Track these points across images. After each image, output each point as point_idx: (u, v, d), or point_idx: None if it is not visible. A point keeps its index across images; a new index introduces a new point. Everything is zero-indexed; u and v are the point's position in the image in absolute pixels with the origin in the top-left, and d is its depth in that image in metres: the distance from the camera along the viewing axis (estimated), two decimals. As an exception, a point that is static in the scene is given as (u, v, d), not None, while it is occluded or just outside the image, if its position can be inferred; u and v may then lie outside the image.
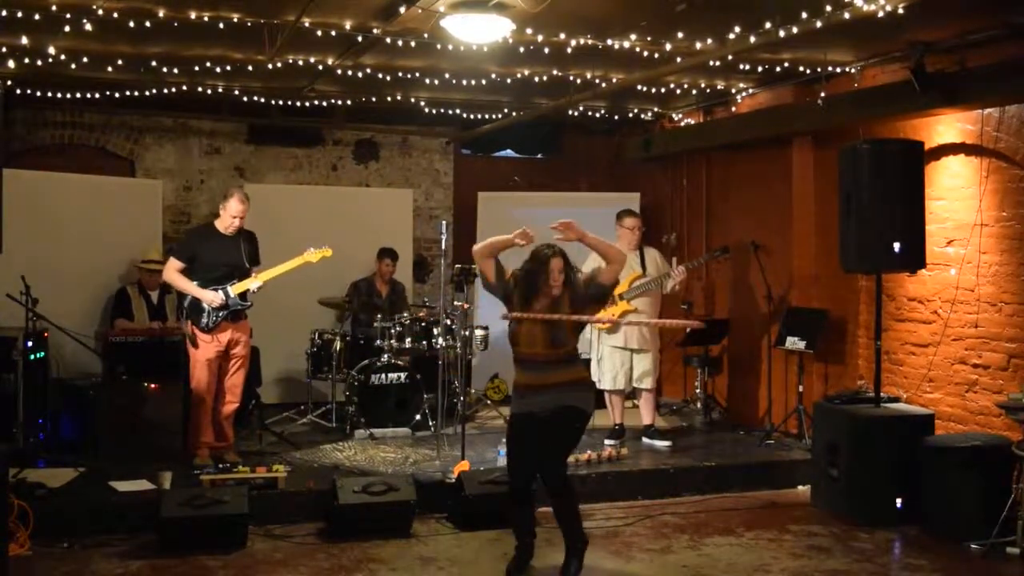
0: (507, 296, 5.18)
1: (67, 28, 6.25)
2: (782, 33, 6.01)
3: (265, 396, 8.56)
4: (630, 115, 10.16)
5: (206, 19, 6.23)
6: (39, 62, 7.43)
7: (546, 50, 7.01)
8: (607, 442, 7.49)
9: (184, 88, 8.62)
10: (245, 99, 9.06)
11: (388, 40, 6.66)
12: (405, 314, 8.50)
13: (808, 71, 7.60)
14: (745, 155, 9.06)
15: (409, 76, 8.01)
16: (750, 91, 8.71)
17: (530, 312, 5.04)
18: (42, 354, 7.28)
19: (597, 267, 5.29)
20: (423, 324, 8.39)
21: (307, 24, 6.35)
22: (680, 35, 6.58)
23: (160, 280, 8.17)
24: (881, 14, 5.46)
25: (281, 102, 9.42)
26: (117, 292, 8.23)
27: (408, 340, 8.27)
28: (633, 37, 6.64)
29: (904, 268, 6.78)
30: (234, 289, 6.73)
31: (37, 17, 6.07)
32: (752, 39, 6.29)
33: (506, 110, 9.73)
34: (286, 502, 6.14)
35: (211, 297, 6.66)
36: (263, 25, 6.43)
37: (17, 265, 7.18)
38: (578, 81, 8.21)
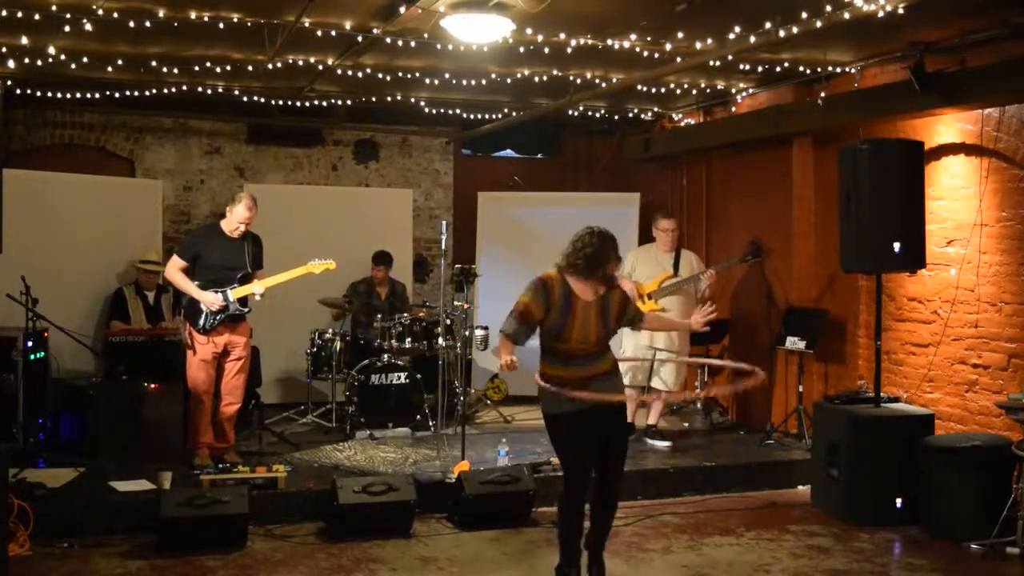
0: (549, 308, 4.71)
1: (67, 28, 6.26)
2: (782, 33, 6.01)
3: (265, 396, 8.56)
4: (630, 115, 10.16)
5: (206, 19, 6.23)
6: (39, 62, 7.43)
7: (546, 50, 7.01)
8: None
9: (184, 88, 8.62)
10: (245, 99, 9.06)
11: (388, 40, 6.67)
12: (405, 314, 8.50)
13: (808, 71, 7.60)
14: (745, 155, 9.06)
15: (409, 76, 8.02)
16: (750, 91, 8.71)
17: (572, 295, 4.70)
18: (42, 354, 7.27)
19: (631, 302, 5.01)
20: (423, 324, 8.39)
21: (307, 24, 6.35)
22: (680, 35, 6.58)
23: (157, 281, 8.18)
24: (881, 14, 5.47)
25: (281, 102, 9.42)
26: (114, 293, 8.23)
27: (408, 340, 8.27)
28: (633, 37, 6.64)
29: (904, 268, 6.78)
30: (234, 293, 6.71)
31: (37, 17, 6.07)
32: (752, 39, 6.30)
33: (506, 110, 9.74)
34: (286, 502, 6.14)
35: (210, 300, 6.64)
36: (263, 25, 6.43)
37: (17, 265, 7.18)
38: (578, 81, 8.21)
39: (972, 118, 6.74)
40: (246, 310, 6.81)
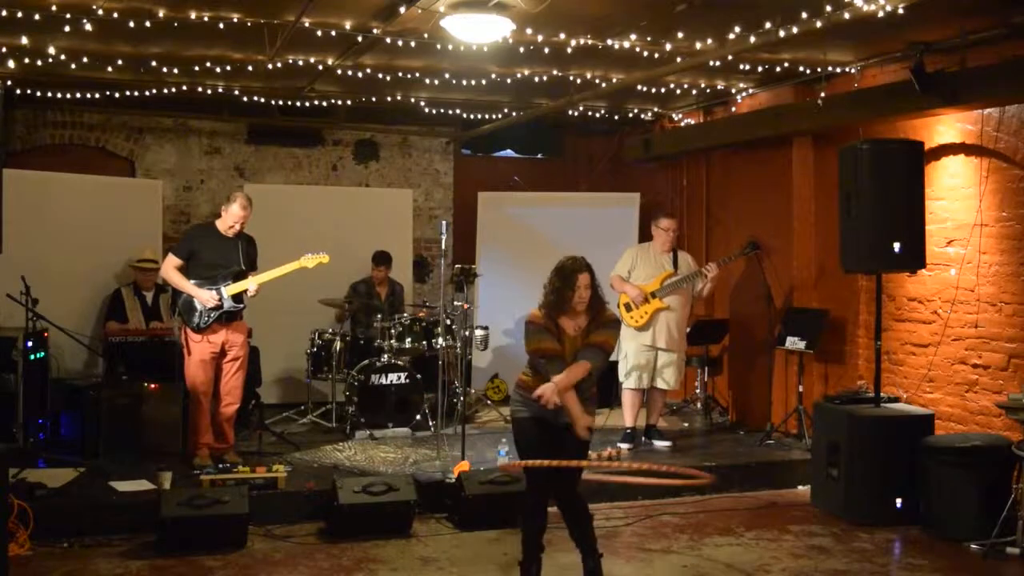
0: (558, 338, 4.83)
1: (67, 28, 6.26)
2: (782, 33, 6.01)
3: (265, 396, 8.55)
4: (630, 115, 10.16)
5: (206, 19, 6.23)
6: (39, 62, 7.43)
7: (546, 50, 7.01)
8: (620, 445, 7.50)
9: (184, 88, 8.62)
10: (245, 99, 9.06)
11: (388, 40, 6.67)
12: (405, 314, 8.50)
13: (808, 71, 7.60)
14: (745, 155, 9.06)
15: (409, 76, 8.02)
16: (750, 91, 8.71)
17: (561, 330, 4.79)
18: (42, 354, 7.27)
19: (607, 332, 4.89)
20: (423, 324, 8.39)
21: (307, 24, 6.35)
22: (680, 35, 6.59)
23: (155, 279, 8.18)
24: (881, 14, 5.47)
25: (281, 102, 9.43)
26: (111, 294, 8.22)
27: (408, 340, 8.27)
28: (633, 37, 6.64)
29: (904, 268, 6.78)
30: (228, 290, 6.72)
31: (37, 17, 6.07)
32: (752, 39, 6.30)
33: (506, 110, 9.74)
34: (286, 502, 6.14)
35: (206, 296, 6.66)
36: (263, 25, 6.43)
37: (17, 265, 7.17)
38: (578, 81, 8.21)
39: (972, 118, 6.74)
40: (241, 306, 6.82)
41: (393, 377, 8.01)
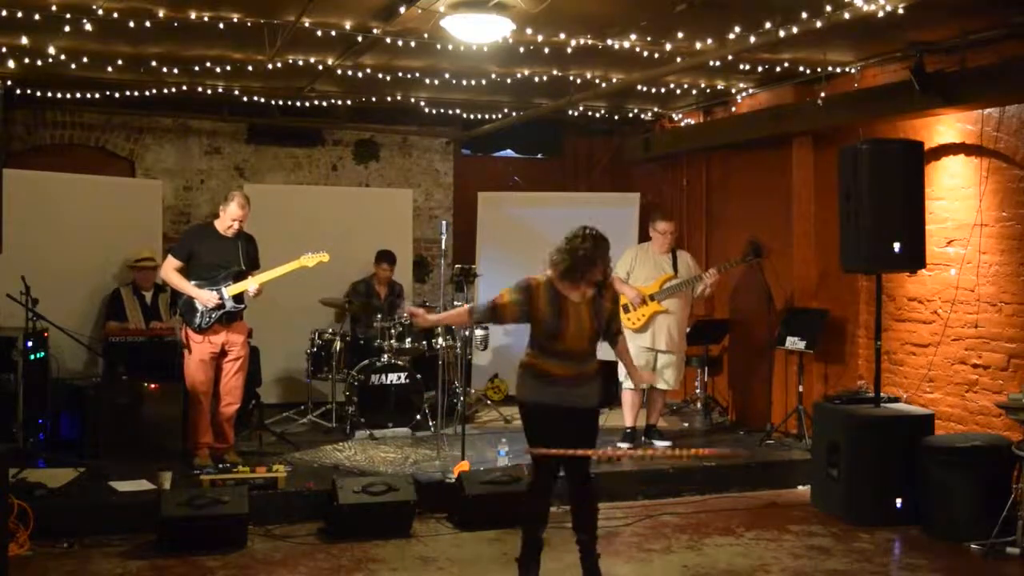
0: (530, 312, 4.80)
1: (67, 28, 6.26)
2: (782, 33, 6.01)
3: (265, 396, 8.55)
4: (630, 115, 10.16)
5: (206, 19, 6.23)
6: (39, 62, 7.44)
7: (546, 50, 7.01)
8: (620, 444, 7.51)
9: (184, 88, 8.63)
10: (245, 99, 9.06)
11: (388, 40, 6.67)
12: (405, 314, 8.49)
13: (808, 71, 7.60)
14: (745, 155, 9.06)
15: (409, 76, 8.02)
16: (750, 91, 8.71)
17: (563, 298, 4.75)
18: (42, 354, 7.27)
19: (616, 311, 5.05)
20: (423, 324, 8.38)
21: (307, 24, 6.35)
22: (680, 35, 6.58)
23: (154, 279, 8.17)
24: (881, 14, 5.47)
25: (281, 102, 9.43)
26: (111, 294, 8.22)
27: (408, 340, 8.28)
28: (633, 37, 6.64)
29: (904, 268, 6.78)
30: (229, 291, 6.71)
31: (37, 17, 6.08)
32: (752, 39, 6.30)
33: (506, 110, 9.74)
34: (286, 502, 6.14)
35: (206, 297, 6.66)
36: (263, 25, 6.43)
37: (17, 265, 7.18)
38: (578, 81, 8.21)
39: (972, 118, 6.74)
40: (241, 307, 6.82)
41: (393, 377, 8.01)
